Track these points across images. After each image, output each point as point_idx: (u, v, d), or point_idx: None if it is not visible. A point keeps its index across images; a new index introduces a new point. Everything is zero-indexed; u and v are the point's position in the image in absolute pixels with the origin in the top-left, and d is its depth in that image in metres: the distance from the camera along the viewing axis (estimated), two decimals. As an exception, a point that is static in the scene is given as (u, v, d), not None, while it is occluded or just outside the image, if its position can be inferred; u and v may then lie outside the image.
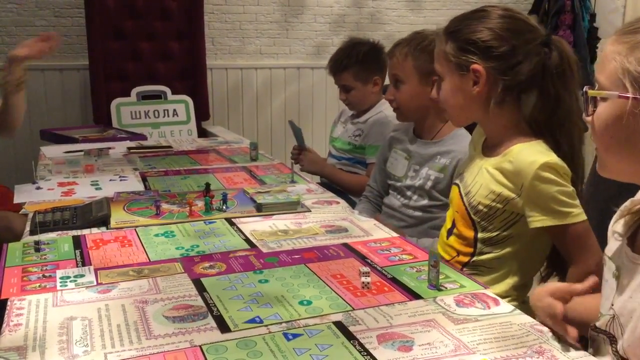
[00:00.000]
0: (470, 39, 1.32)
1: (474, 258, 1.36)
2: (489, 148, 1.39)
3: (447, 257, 1.41)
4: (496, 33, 1.31)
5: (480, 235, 1.35)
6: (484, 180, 1.33)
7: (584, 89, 0.91)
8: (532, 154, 1.27)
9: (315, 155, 2.53)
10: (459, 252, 1.39)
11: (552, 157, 1.26)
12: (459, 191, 1.40)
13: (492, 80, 1.31)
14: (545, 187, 1.24)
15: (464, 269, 1.34)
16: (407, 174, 1.85)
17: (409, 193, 1.83)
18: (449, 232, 1.43)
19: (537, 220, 1.26)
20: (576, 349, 0.92)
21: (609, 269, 0.95)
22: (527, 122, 1.33)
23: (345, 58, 2.45)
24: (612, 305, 0.91)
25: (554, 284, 1.04)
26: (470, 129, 1.84)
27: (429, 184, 1.77)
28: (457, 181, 1.43)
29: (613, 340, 0.91)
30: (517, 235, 1.31)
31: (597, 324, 0.94)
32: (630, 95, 0.82)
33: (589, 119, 0.91)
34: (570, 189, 1.26)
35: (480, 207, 1.33)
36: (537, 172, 1.24)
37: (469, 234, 1.36)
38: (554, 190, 1.24)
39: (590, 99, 0.90)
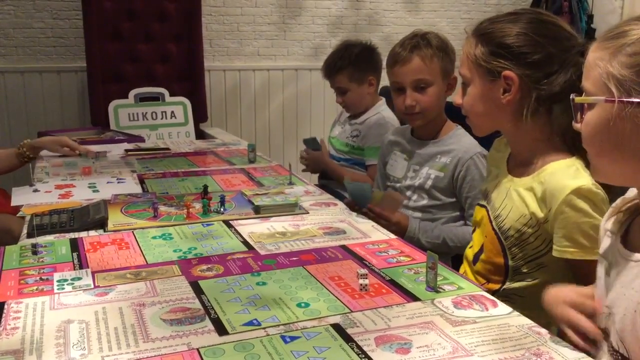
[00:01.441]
0: (504, 42, 1.23)
1: (505, 286, 1.30)
2: (518, 166, 1.32)
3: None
4: (532, 38, 1.22)
5: (511, 263, 1.28)
6: (513, 203, 1.27)
7: (571, 97, 0.91)
8: (565, 177, 1.19)
9: (316, 154, 2.52)
10: (488, 280, 1.34)
11: (587, 182, 1.17)
12: (488, 214, 1.34)
13: (525, 89, 1.23)
14: (574, 215, 1.17)
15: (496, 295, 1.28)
16: (406, 174, 1.85)
17: (408, 193, 1.83)
18: (476, 257, 1.37)
19: (557, 250, 1.20)
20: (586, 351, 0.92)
21: (601, 266, 0.95)
22: (560, 135, 1.24)
23: (338, 60, 2.46)
24: (606, 303, 0.92)
25: (569, 292, 1.01)
26: (469, 130, 1.84)
27: (429, 182, 1.78)
28: (485, 203, 1.37)
29: (607, 336, 0.91)
30: (549, 263, 1.24)
31: (599, 325, 0.94)
32: (616, 98, 0.83)
33: (578, 126, 0.91)
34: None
35: (512, 231, 1.26)
36: (569, 198, 1.16)
37: (499, 260, 1.30)
38: (583, 221, 1.16)
39: (578, 106, 0.90)
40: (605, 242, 0.96)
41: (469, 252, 1.43)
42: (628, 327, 0.86)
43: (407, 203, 1.82)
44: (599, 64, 0.86)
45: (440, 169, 1.77)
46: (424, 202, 1.79)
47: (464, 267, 1.45)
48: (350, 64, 2.45)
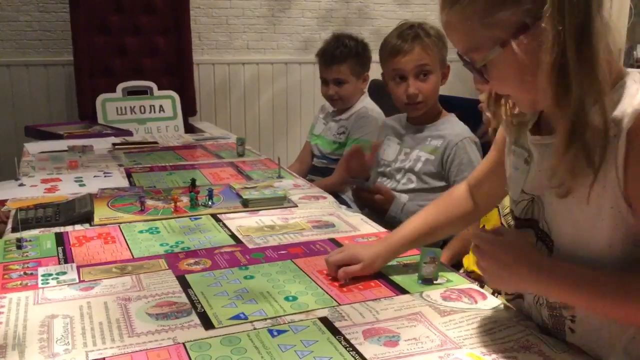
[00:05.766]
0: None
1: None
2: None
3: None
4: None
5: None
6: None
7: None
8: None
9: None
10: None
11: None
12: (498, 210, 1.36)
13: None
14: None
15: None
16: (397, 157, 1.88)
17: (398, 176, 1.86)
18: None
19: None
20: None
21: (519, 156, 0.96)
22: None
23: (344, 49, 2.42)
24: (523, 190, 0.94)
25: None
26: (463, 119, 1.85)
27: (419, 165, 1.81)
28: None
29: (535, 224, 0.92)
30: None
31: (517, 214, 0.95)
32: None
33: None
34: None
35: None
36: None
37: None
38: None
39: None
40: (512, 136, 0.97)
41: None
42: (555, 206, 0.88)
43: (396, 186, 1.84)
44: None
45: (431, 152, 1.80)
46: (413, 185, 1.82)
47: (469, 258, 1.46)
48: (355, 55, 2.43)
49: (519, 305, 1.01)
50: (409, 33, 1.81)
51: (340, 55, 2.41)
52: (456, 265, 1.54)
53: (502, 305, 1.03)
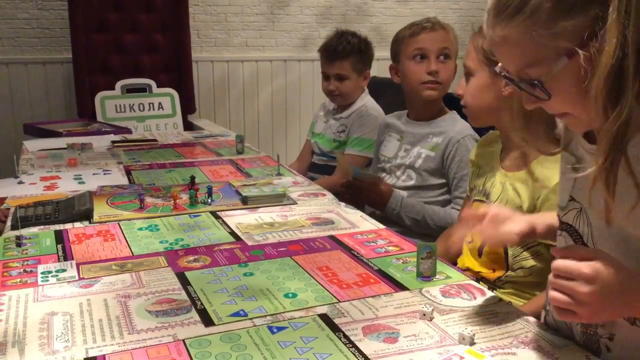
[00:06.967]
0: None
1: (508, 272, 1.32)
2: (513, 161, 1.33)
3: (485, 273, 1.38)
4: None
5: (510, 252, 1.31)
6: (508, 196, 1.30)
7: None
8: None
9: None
10: (494, 269, 1.36)
11: None
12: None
13: None
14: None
15: (498, 281, 1.32)
16: (397, 153, 1.89)
17: (398, 173, 1.87)
18: (480, 252, 1.38)
19: None
20: None
21: (566, 161, 0.92)
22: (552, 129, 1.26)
23: (347, 45, 2.43)
24: (572, 197, 0.90)
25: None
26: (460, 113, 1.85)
27: (420, 162, 1.82)
28: (483, 198, 1.38)
29: (577, 235, 0.89)
30: (545, 250, 1.26)
31: (563, 218, 0.93)
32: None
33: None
34: None
35: None
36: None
37: (500, 250, 1.32)
38: None
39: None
40: (566, 138, 0.93)
41: (471, 247, 1.43)
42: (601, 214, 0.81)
43: (395, 182, 1.85)
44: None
45: (432, 149, 1.81)
46: (412, 182, 1.83)
47: (463, 260, 1.46)
48: (358, 52, 2.43)
49: (540, 316, 1.01)
50: (429, 19, 1.86)
51: (343, 51, 2.42)
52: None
53: (501, 301, 1.03)
